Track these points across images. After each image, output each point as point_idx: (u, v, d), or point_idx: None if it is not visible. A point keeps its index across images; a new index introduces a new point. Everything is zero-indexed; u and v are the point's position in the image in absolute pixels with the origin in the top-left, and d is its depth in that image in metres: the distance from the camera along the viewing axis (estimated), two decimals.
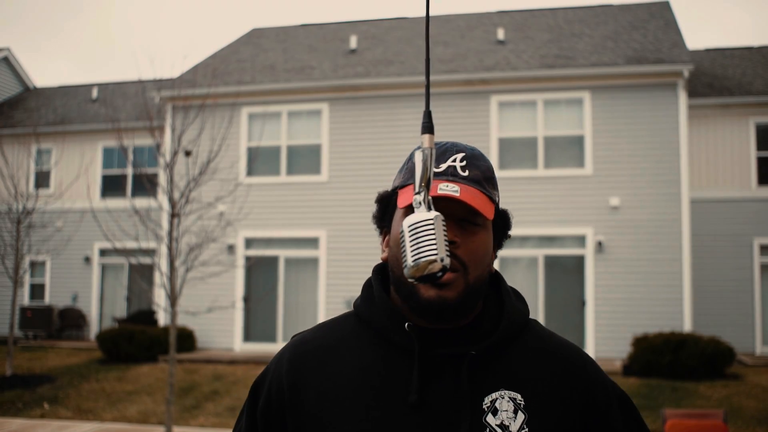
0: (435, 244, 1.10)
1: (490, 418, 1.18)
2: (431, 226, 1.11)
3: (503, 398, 1.20)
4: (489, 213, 1.22)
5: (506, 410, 1.19)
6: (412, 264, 1.11)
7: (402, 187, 1.28)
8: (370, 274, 1.35)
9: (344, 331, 1.29)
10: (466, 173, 1.25)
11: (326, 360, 1.24)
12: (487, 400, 1.19)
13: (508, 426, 1.18)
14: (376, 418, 1.17)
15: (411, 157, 1.30)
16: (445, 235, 1.12)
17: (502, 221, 1.31)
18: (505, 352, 1.25)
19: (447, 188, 1.21)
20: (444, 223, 1.14)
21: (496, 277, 1.35)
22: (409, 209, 1.21)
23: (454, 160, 1.26)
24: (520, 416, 1.19)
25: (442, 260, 1.10)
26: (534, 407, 1.20)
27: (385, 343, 1.24)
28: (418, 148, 1.19)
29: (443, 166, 1.25)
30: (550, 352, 1.28)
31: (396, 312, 1.24)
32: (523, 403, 1.20)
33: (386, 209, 1.32)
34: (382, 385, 1.20)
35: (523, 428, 1.18)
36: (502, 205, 1.32)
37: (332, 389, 1.21)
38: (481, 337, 1.23)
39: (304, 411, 1.21)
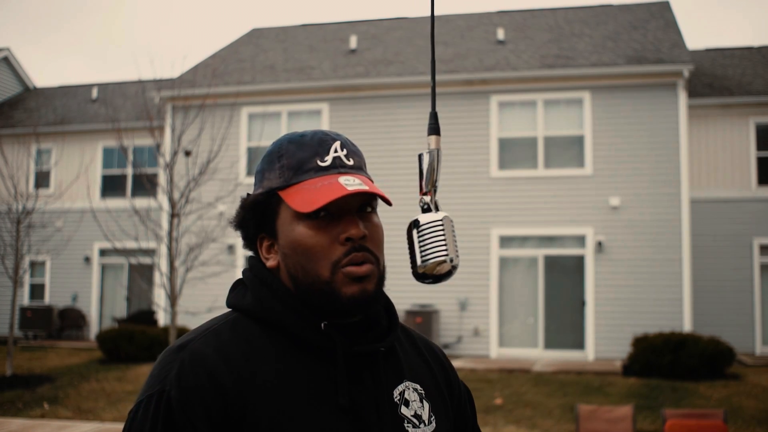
0: (445, 244, 1.10)
1: (404, 410, 1.19)
2: (441, 227, 1.11)
3: (409, 389, 1.22)
4: (389, 199, 1.17)
5: (415, 400, 1.21)
6: (421, 264, 1.11)
7: (285, 187, 1.17)
8: None
9: (248, 334, 1.16)
10: (351, 162, 1.19)
11: (245, 374, 1.10)
12: (396, 392, 1.20)
13: (420, 415, 1.20)
14: (313, 424, 1.11)
15: (272, 155, 1.21)
16: (454, 236, 1.12)
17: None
18: (394, 344, 1.26)
19: (351, 182, 1.13)
20: (453, 223, 1.14)
21: None
22: (272, 203, 1.17)
23: (336, 150, 1.19)
24: (426, 405, 1.22)
25: (451, 261, 1.10)
26: (430, 395, 1.24)
27: (296, 345, 1.16)
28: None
29: (328, 159, 1.17)
30: (420, 343, 1.33)
31: (307, 312, 1.17)
32: (423, 392, 1.23)
33: (264, 214, 1.20)
34: (308, 390, 1.12)
35: (431, 416, 1.22)
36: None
37: (268, 399, 1.10)
38: (384, 332, 1.23)
39: (247, 424, 1.08)
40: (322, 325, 1.16)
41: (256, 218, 1.21)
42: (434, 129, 1.20)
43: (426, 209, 1.16)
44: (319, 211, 1.14)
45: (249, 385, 1.10)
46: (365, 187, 1.12)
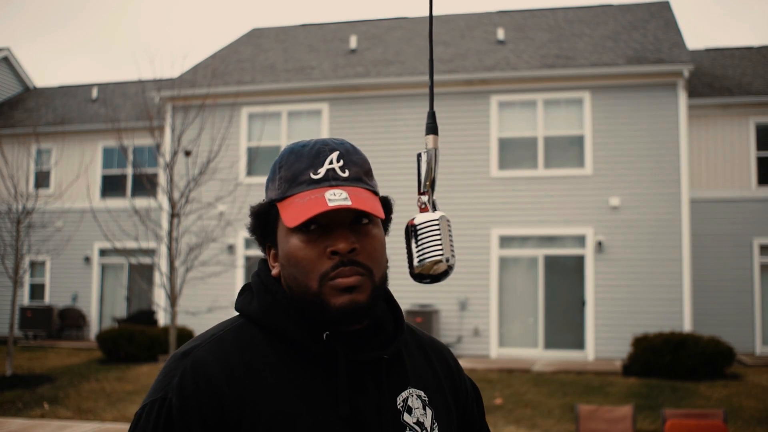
0: (441, 244, 1.10)
1: (407, 417, 1.19)
2: (437, 227, 1.11)
3: (412, 396, 1.21)
4: (380, 212, 1.15)
5: (418, 407, 1.21)
6: (417, 264, 1.11)
7: (281, 199, 1.19)
8: None
9: (251, 342, 1.17)
10: (346, 174, 1.18)
11: (245, 382, 1.12)
12: (399, 399, 1.20)
13: (423, 422, 1.20)
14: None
15: (275, 165, 1.23)
16: (450, 236, 1.12)
17: (386, 209, 1.25)
18: (400, 351, 1.26)
19: (336, 197, 1.12)
20: (449, 223, 1.14)
21: None
22: (272, 213, 1.19)
23: (331, 162, 1.18)
24: (429, 412, 1.22)
25: (447, 260, 1.10)
26: (434, 402, 1.24)
27: (298, 354, 1.17)
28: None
29: (321, 171, 1.17)
30: (427, 347, 1.32)
31: (310, 322, 1.17)
32: (427, 399, 1.23)
33: (266, 223, 1.23)
34: (309, 399, 1.14)
35: (434, 423, 1.22)
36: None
37: (268, 406, 1.11)
38: (388, 339, 1.23)
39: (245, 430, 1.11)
40: (324, 335, 1.16)
41: (261, 228, 1.24)
42: (432, 128, 1.20)
43: (423, 209, 1.16)
44: (309, 224, 1.14)
45: (248, 393, 1.12)
46: (348, 203, 1.11)
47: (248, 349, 1.17)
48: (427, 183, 1.15)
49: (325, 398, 1.14)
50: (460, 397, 1.32)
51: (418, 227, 1.12)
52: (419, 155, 1.20)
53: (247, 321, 1.21)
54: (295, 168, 1.19)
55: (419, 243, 1.11)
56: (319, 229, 1.15)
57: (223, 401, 1.10)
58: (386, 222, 1.25)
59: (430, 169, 1.16)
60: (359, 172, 1.20)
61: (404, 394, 1.21)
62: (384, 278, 1.19)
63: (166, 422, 1.10)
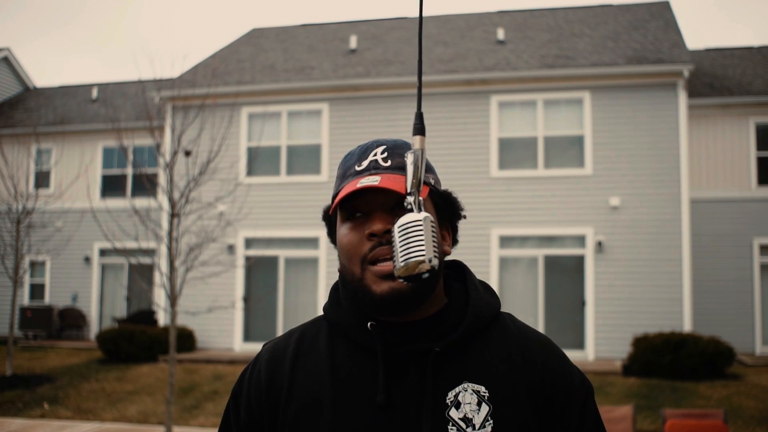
0: (423, 244, 1.11)
1: (453, 412, 1.18)
2: (420, 227, 1.12)
3: (466, 391, 1.20)
4: (401, 191, 1.19)
5: (469, 403, 1.19)
6: (401, 264, 1.12)
7: (335, 195, 1.27)
8: None
9: (314, 334, 1.29)
10: (389, 163, 1.24)
11: (301, 364, 1.25)
12: (451, 394, 1.19)
13: (471, 419, 1.18)
14: (345, 419, 1.18)
15: (338, 167, 1.32)
16: (433, 235, 1.13)
17: (445, 203, 1.29)
18: (469, 345, 1.24)
19: (366, 181, 1.20)
20: (433, 223, 1.14)
21: (461, 269, 1.34)
22: (335, 214, 1.27)
23: (375, 155, 1.25)
24: (484, 408, 1.19)
25: (430, 261, 1.11)
26: (498, 399, 1.20)
27: (352, 344, 1.24)
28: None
29: (365, 163, 1.24)
30: (515, 343, 1.27)
31: (360, 312, 1.24)
32: (487, 394, 1.20)
33: (331, 222, 1.31)
34: (351, 385, 1.20)
35: (488, 420, 1.18)
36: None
37: (304, 392, 1.22)
38: (446, 331, 1.23)
39: (280, 416, 1.23)
40: (369, 324, 1.21)
41: (330, 227, 1.32)
42: (419, 129, 1.22)
43: (409, 210, 1.17)
44: (355, 212, 1.22)
45: (288, 380, 1.24)
46: (375, 183, 1.18)
47: (307, 340, 1.28)
48: (413, 184, 1.16)
49: (367, 387, 1.19)
50: (545, 393, 1.24)
51: (402, 228, 1.13)
52: (405, 156, 1.21)
53: (322, 316, 1.33)
54: (346, 165, 1.28)
55: (403, 243, 1.12)
56: (363, 217, 1.22)
57: (266, 387, 1.25)
58: (448, 216, 1.29)
59: (417, 170, 1.17)
60: (403, 163, 1.23)
61: (457, 389, 1.20)
62: (432, 266, 1.15)
63: (231, 402, 1.31)
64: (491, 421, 1.18)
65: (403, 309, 1.19)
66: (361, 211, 1.21)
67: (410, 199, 1.16)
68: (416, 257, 1.11)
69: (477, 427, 1.18)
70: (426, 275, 1.12)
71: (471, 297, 1.27)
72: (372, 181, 1.19)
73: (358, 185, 1.18)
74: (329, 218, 1.31)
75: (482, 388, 1.20)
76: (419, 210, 1.16)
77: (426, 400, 1.17)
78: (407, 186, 1.17)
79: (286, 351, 1.28)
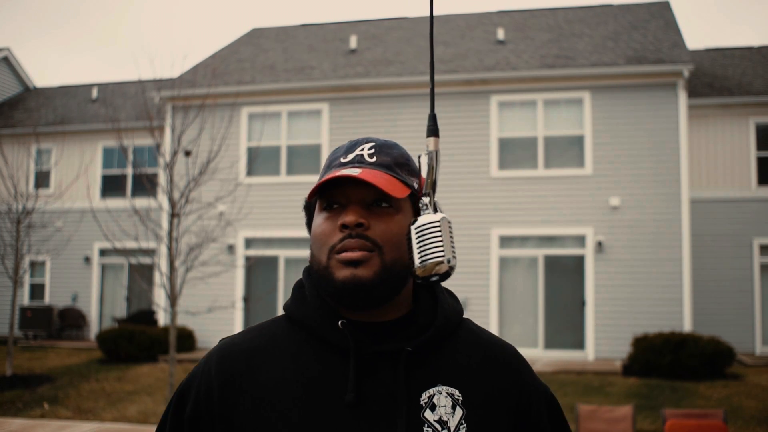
0: (442, 245, 1.11)
1: (428, 414, 1.16)
2: (438, 228, 1.12)
3: (441, 394, 1.18)
4: (396, 192, 1.16)
5: (444, 405, 1.18)
6: (419, 265, 1.12)
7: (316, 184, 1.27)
8: None
9: (275, 332, 1.24)
10: (374, 159, 1.21)
11: (257, 363, 1.20)
12: (425, 395, 1.18)
13: (446, 421, 1.16)
14: (313, 419, 1.14)
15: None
16: (451, 237, 1.13)
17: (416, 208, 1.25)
18: (441, 348, 1.23)
19: (346, 171, 1.17)
20: (450, 224, 1.14)
21: None
22: (314, 204, 1.25)
23: (362, 149, 1.23)
24: (459, 411, 1.18)
25: (449, 261, 1.11)
26: (472, 403, 1.19)
27: (318, 342, 1.20)
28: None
29: (350, 156, 1.23)
30: (485, 348, 1.27)
31: (329, 310, 1.20)
32: (461, 398, 1.19)
33: (311, 213, 1.29)
34: (318, 385, 1.16)
35: (462, 423, 1.17)
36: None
37: (266, 392, 1.17)
38: (416, 332, 1.21)
39: (235, 415, 1.17)
40: (340, 323, 1.18)
41: (308, 218, 1.30)
42: (433, 131, 1.21)
43: (425, 210, 1.17)
44: (333, 203, 1.20)
45: (245, 378, 1.18)
46: (354, 174, 1.15)
47: (266, 337, 1.23)
48: (428, 185, 1.16)
49: (335, 387, 1.15)
50: (521, 404, 1.24)
51: (419, 229, 1.13)
52: (419, 157, 1.21)
53: (284, 315, 1.28)
54: (333, 157, 1.26)
55: (420, 244, 1.12)
56: (340, 208, 1.20)
57: (219, 385, 1.19)
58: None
59: (432, 171, 1.17)
60: (389, 161, 1.22)
61: (431, 391, 1.18)
62: (399, 263, 1.17)
63: (174, 400, 1.25)
64: (465, 425, 1.17)
65: (363, 299, 1.16)
66: (339, 202, 1.19)
67: (425, 200, 1.16)
68: (434, 258, 1.11)
69: (452, 430, 1.16)
70: (445, 275, 1.12)
71: (439, 300, 1.26)
72: (352, 171, 1.16)
73: (337, 174, 1.16)
74: (309, 207, 1.29)
75: (456, 392, 1.19)
76: (435, 211, 1.16)
77: (400, 399, 1.15)
78: (421, 187, 1.17)
79: (239, 348, 1.21)
